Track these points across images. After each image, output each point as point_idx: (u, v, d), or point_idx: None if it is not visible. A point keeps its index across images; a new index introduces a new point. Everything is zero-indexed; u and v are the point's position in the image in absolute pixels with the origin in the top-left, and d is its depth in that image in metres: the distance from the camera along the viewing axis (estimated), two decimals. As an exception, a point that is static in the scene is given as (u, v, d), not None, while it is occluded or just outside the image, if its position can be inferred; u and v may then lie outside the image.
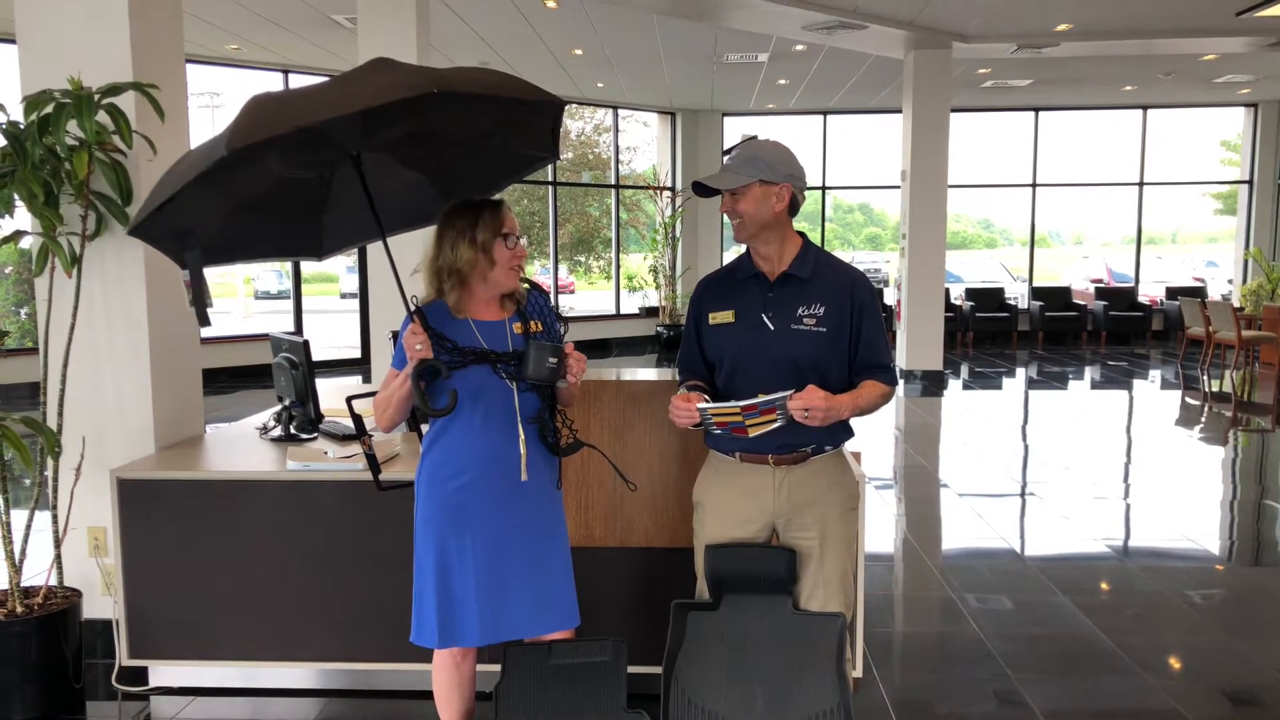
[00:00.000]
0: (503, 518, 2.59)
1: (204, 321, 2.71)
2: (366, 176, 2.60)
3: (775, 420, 2.47)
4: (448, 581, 2.59)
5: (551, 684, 2.63)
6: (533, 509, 2.63)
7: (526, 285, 2.72)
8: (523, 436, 2.59)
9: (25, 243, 3.61)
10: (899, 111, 12.47)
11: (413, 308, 2.55)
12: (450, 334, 2.57)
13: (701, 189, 2.63)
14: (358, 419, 2.74)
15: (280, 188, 2.62)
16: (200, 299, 2.63)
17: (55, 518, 3.56)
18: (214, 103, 13.11)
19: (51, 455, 3.46)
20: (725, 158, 2.66)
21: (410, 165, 2.82)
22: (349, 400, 2.77)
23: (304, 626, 3.43)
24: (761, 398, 2.43)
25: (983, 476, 6.92)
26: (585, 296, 17.66)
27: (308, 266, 13.90)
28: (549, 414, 2.66)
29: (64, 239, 3.47)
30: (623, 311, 16.29)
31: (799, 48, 11.31)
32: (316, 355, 4.09)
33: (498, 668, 2.64)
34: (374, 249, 7.66)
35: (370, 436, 2.83)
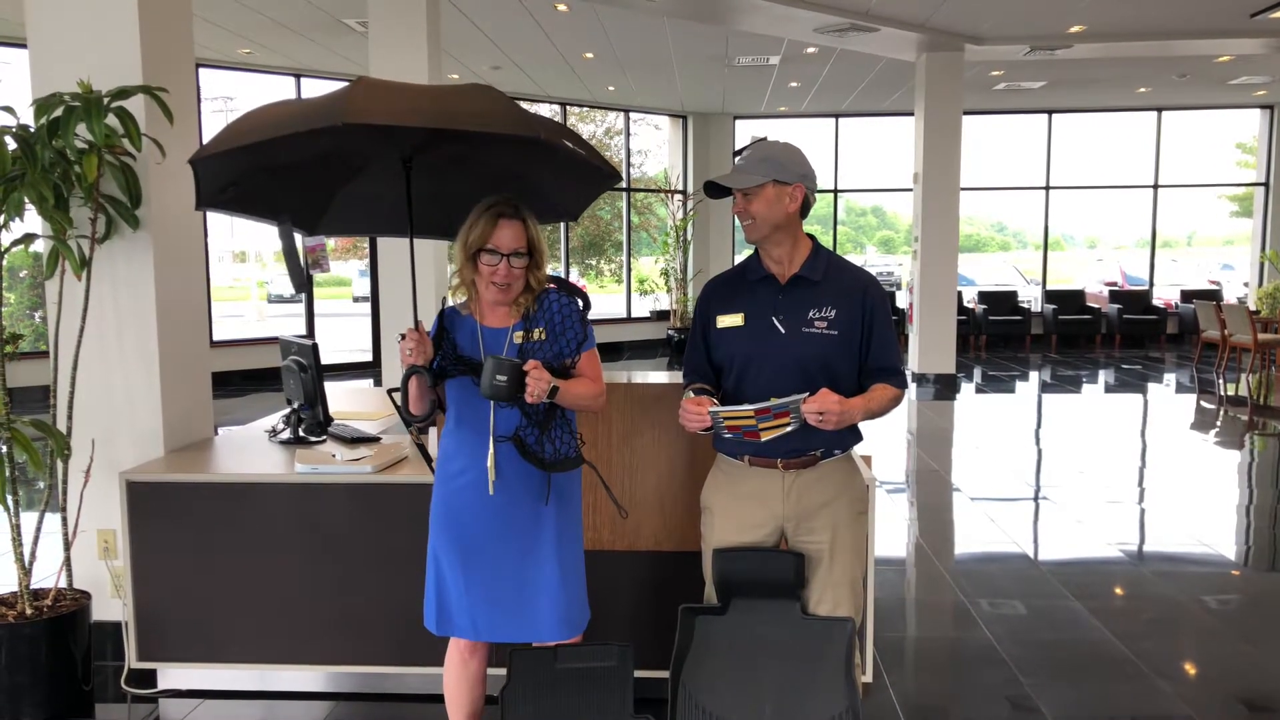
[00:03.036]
0: (479, 528, 2.62)
1: (300, 287, 2.83)
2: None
3: (788, 424, 2.44)
4: (442, 577, 2.65)
5: (557, 688, 2.62)
6: (507, 523, 2.62)
7: (552, 286, 2.69)
8: (491, 452, 2.56)
9: (36, 246, 3.62)
10: (911, 114, 12.43)
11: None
12: (459, 337, 2.59)
13: (714, 189, 2.62)
14: (401, 410, 2.74)
15: (313, 159, 2.67)
16: (294, 264, 2.68)
17: (65, 520, 3.56)
18: (227, 107, 13.15)
19: (61, 458, 3.46)
20: (737, 158, 2.64)
21: (478, 173, 2.83)
22: (390, 393, 2.78)
23: (313, 629, 3.42)
24: (775, 401, 2.40)
25: (995, 480, 6.87)
26: (596, 300, 17.55)
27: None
28: (537, 429, 2.59)
29: (74, 242, 3.47)
30: (634, 315, 16.29)
31: (810, 50, 11.28)
32: (328, 358, 4.10)
33: (505, 671, 2.63)
34: (388, 253, 7.65)
35: (418, 431, 2.81)
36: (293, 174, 2.74)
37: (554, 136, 2.42)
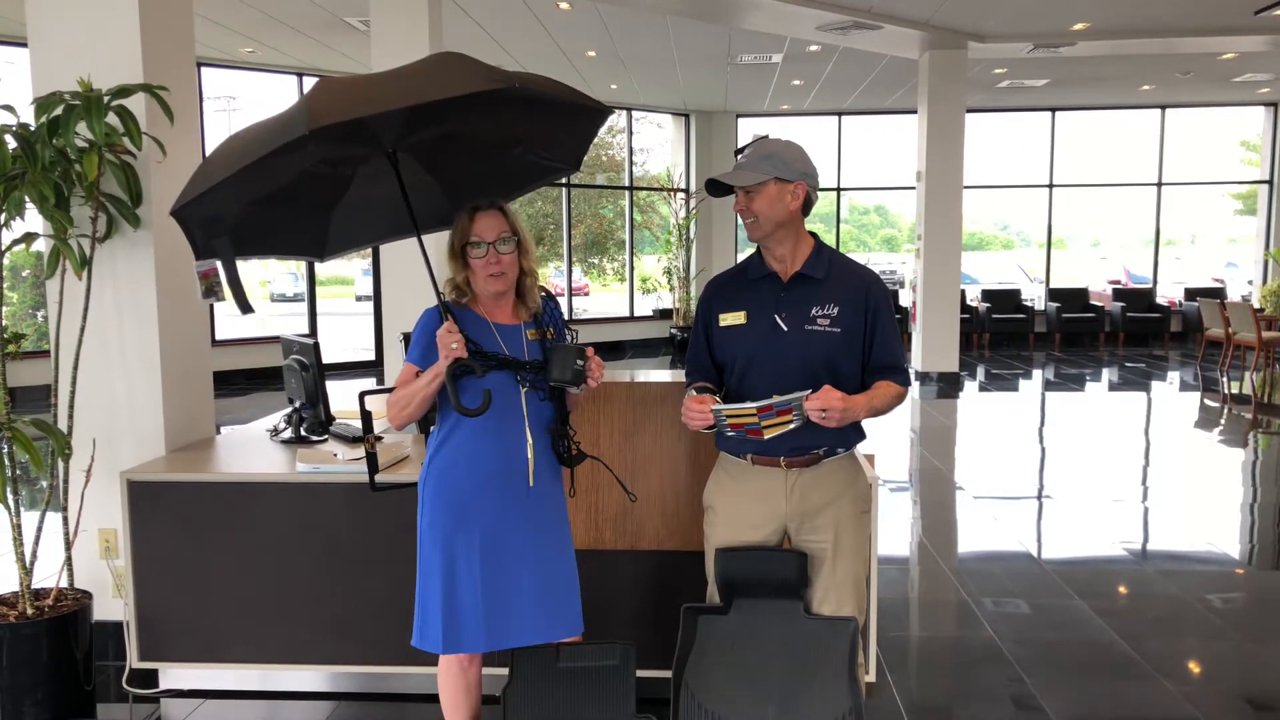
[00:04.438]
0: (509, 523, 2.58)
1: (245, 310, 2.67)
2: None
3: (791, 421, 2.43)
4: (453, 586, 2.58)
5: (559, 687, 2.61)
6: (539, 516, 2.62)
7: (544, 293, 2.71)
8: (530, 443, 2.57)
9: (38, 245, 3.62)
10: (914, 112, 12.41)
11: (446, 300, 2.54)
12: (473, 336, 2.55)
13: (715, 187, 2.60)
14: (366, 415, 2.71)
15: (299, 182, 2.59)
16: (235, 287, 2.63)
17: (66, 520, 3.56)
18: (230, 106, 13.15)
19: (62, 457, 3.46)
20: (739, 156, 2.63)
21: (429, 168, 2.81)
22: (361, 395, 2.75)
23: (314, 629, 3.42)
24: (777, 398, 2.39)
25: (999, 479, 6.86)
26: (599, 298, 17.65)
27: (322, 269, 13.94)
28: (562, 424, 2.65)
29: (74, 241, 3.47)
30: (636, 313, 16.28)
31: (813, 48, 11.26)
32: (330, 358, 4.09)
33: (505, 671, 2.62)
34: (390, 252, 7.65)
35: (376, 437, 2.81)
36: (287, 203, 2.69)
37: (531, 84, 2.37)
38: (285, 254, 3.14)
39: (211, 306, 4.16)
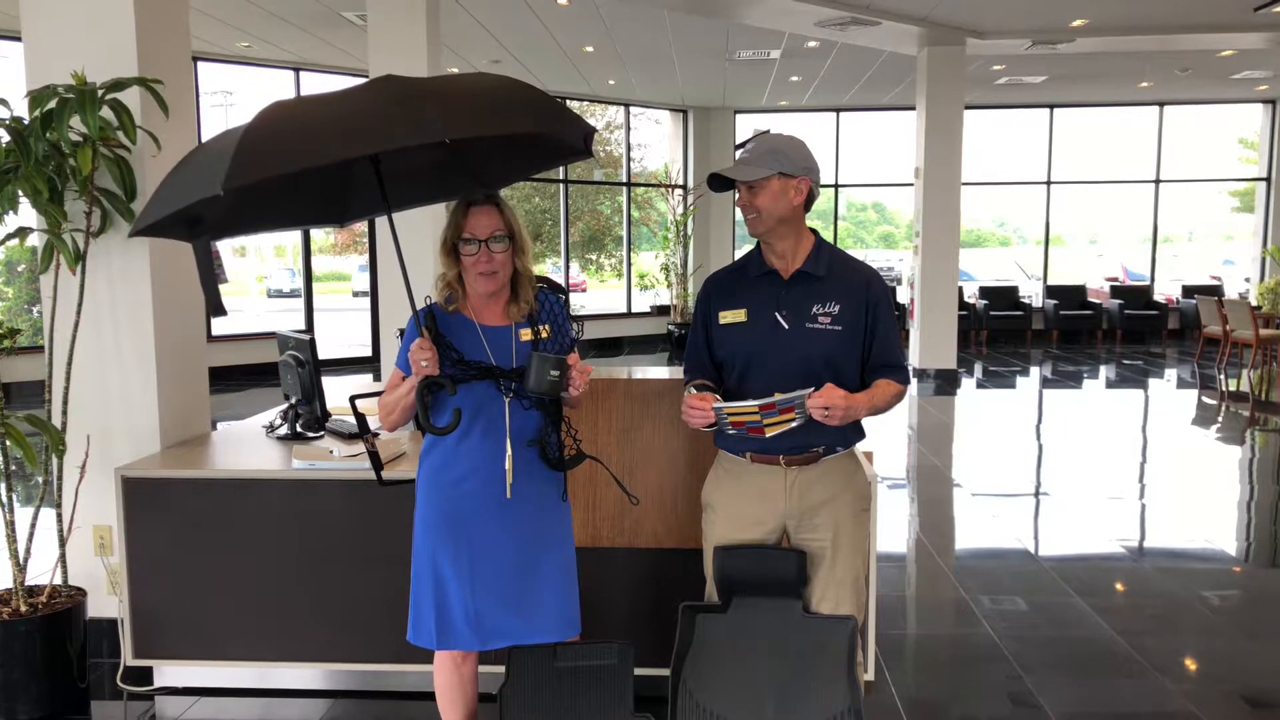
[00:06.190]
0: (497, 528, 2.56)
1: (217, 311, 2.50)
2: (386, 157, 2.50)
3: (793, 419, 2.42)
4: (443, 585, 2.57)
5: (557, 686, 2.59)
6: (528, 522, 2.58)
7: (543, 285, 2.66)
8: (509, 453, 2.52)
9: (32, 240, 3.60)
10: (912, 108, 12.39)
11: (420, 308, 2.48)
12: (457, 341, 2.52)
13: (718, 182, 2.58)
14: (360, 418, 2.70)
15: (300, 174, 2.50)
16: (208, 284, 2.54)
17: (60, 516, 3.54)
18: (227, 101, 13.10)
19: (56, 454, 3.44)
20: (741, 150, 2.61)
21: (435, 146, 2.74)
22: (352, 400, 2.73)
23: (310, 626, 3.40)
24: (780, 396, 2.38)
25: (997, 476, 6.85)
26: (596, 295, 17.63)
27: (319, 266, 13.91)
28: (553, 428, 2.60)
29: (69, 236, 3.44)
30: (634, 310, 16.26)
31: (812, 44, 11.25)
32: (327, 353, 4.06)
33: (502, 669, 2.60)
34: (387, 248, 7.64)
35: (374, 435, 2.79)
36: (294, 185, 2.62)
37: (475, 128, 2.24)
38: (301, 226, 3.13)
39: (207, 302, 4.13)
